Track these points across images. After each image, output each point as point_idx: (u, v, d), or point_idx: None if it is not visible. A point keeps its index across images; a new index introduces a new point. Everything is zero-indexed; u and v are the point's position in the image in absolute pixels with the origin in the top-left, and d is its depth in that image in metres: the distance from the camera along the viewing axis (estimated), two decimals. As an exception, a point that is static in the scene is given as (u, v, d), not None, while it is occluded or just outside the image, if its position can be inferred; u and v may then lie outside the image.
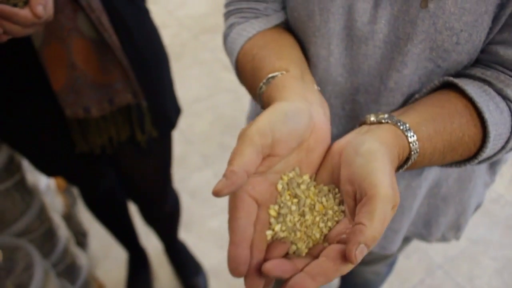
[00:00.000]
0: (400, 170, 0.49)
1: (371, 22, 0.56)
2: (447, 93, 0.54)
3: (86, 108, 0.94)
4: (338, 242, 0.39)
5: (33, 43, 0.85)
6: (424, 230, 0.84)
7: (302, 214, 0.43)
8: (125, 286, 1.69)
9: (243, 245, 0.39)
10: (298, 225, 0.42)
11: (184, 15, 3.46)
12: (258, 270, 0.38)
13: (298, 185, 0.44)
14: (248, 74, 0.60)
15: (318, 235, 0.42)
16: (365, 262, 1.13)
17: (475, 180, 0.77)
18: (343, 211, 0.43)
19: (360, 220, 0.36)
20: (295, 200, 0.43)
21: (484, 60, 0.55)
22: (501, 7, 0.50)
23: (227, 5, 0.69)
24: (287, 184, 0.44)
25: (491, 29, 0.52)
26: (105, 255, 1.85)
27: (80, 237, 1.77)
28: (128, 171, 1.21)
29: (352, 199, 0.41)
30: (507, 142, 0.53)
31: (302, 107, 0.44)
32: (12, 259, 0.96)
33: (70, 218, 1.68)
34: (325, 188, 0.44)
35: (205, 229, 1.93)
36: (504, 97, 0.53)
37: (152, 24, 1.05)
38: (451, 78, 0.53)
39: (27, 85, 0.93)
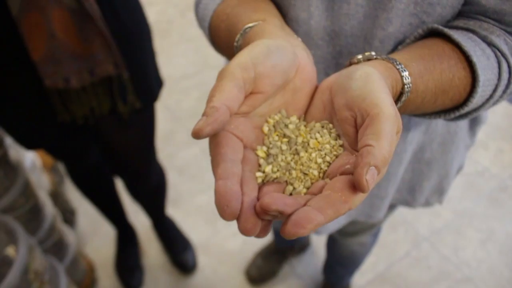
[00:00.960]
0: None
1: None
2: (432, 39, 0.52)
3: (66, 79, 0.93)
4: (342, 174, 0.35)
5: (10, 10, 0.83)
6: (409, 196, 0.85)
7: (296, 153, 0.38)
8: (114, 262, 1.70)
9: (232, 180, 0.33)
10: (292, 163, 0.38)
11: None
12: (253, 210, 0.32)
13: (286, 125, 0.40)
14: (223, 34, 0.57)
15: (316, 172, 0.37)
16: (351, 233, 1.14)
17: (457, 142, 0.77)
18: (341, 145, 0.39)
19: (366, 142, 0.32)
20: (285, 140, 0.39)
21: (466, 11, 0.54)
22: None
23: None
24: (274, 126, 0.40)
25: None
26: (94, 232, 1.86)
27: (68, 215, 1.77)
28: (111, 143, 1.20)
29: (352, 126, 0.37)
30: (495, 90, 0.52)
31: (285, 44, 0.41)
32: (-3, 235, 0.96)
33: (57, 196, 1.67)
34: (318, 125, 0.40)
35: (193, 205, 1.93)
36: (489, 44, 0.52)
37: None
38: (435, 25, 0.51)
39: (6, 54, 0.92)
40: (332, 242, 1.33)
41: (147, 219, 1.77)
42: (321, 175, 0.37)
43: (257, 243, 1.77)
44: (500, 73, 0.51)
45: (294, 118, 0.41)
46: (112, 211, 1.61)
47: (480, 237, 1.79)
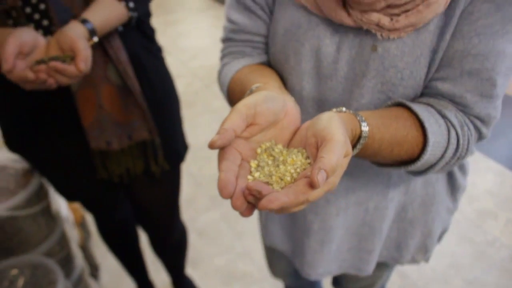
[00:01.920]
0: (355, 150, 0.60)
1: (334, 62, 0.71)
2: (396, 107, 0.67)
3: (108, 142, 1.09)
4: (305, 177, 0.48)
5: (70, 88, 1.02)
6: (396, 253, 0.95)
7: (277, 165, 0.53)
8: (133, 318, 1.77)
9: (230, 172, 0.48)
10: (274, 172, 0.52)
11: (198, 66, 3.66)
12: (242, 193, 0.47)
13: (273, 149, 0.55)
14: (237, 94, 0.74)
15: (289, 178, 0.51)
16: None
17: (437, 204, 0.88)
18: (309, 163, 0.52)
19: (320, 155, 0.46)
20: (271, 158, 0.54)
21: (427, 93, 0.69)
22: (434, 52, 0.65)
23: (222, 49, 0.86)
24: (265, 149, 0.55)
25: (430, 69, 0.67)
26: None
27: (93, 270, 1.86)
28: (141, 198, 1.34)
29: (315, 148, 0.51)
30: (445, 151, 0.65)
31: (279, 96, 0.57)
32: (38, 275, 1.07)
33: (84, 251, 1.78)
34: (295, 150, 0.55)
35: (211, 267, 2.01)
36: (443, 116, 0.66)
37: (166, 70, 1.21)
38: (400, 99, 0.67)
39: (60, 119, 1.09)
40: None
41: (167, 277, 1.85)
42: (292, 180, 0.51)
43: (271, 305, 1.83)
44: (449, 139, 0.65)
45: (280, 146, 0.56)
46: (135, 266, 1.70)
47: (492, 306, 1.81)
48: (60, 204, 1.54)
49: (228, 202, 2.33)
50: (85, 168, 1.16)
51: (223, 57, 0.85)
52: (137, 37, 1.10)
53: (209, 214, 2.28)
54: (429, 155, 0.64)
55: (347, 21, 0.67)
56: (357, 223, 0.89)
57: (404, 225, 0.90)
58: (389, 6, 0.63)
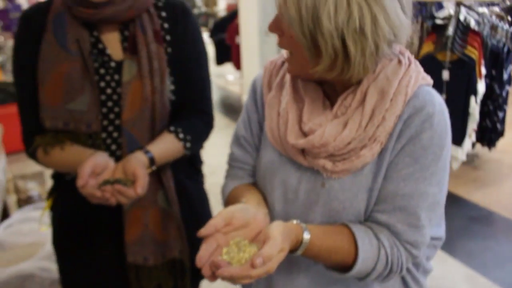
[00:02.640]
0: (298, 251, 0.80)
1: (296, 191, 0.93)
2: (340, 225, 0.87)
3: (146, 258, 1.19)
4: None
5: (122, 206, 1.14)
6: None
7: (239, 253, 0.76)
8: None
9: (206, 251, 0.73)
10: (236, 256, 0.75)
11: (213, 183, 3.06)
12: (209, 265, 0.72)
13: (240, 242, 0.78)
14: None
15: (244, 262, 0.74)
16: None
17: None
18: None
19: (263, 247, 0.71)
20: (237, 248, 0.77)
21: (370, 221, 0.88)
22: (370, 191, 0.86)
23: (226, 171, 1.10)
24: (235, 242, 0.78)
25: (369, 203, 0.86)
26: None
27: None
28: None
29: (262, 243, 0.73)
30: (375, 265, 0.83)
31: (251, 209, 0.83)
32: None
33: None
34: (254, 244, 0.78)
35: None
36: (377, 238, 0.84)
37: (206, 196, 1.37)
38: (344, 222, 0.87)
39: (105, 233, 1.20)
40: None
41: None
42: (246, 262, 0.74)
43: None
44: (379, 256, 0.83)
45: (246, 241, 0.79)
46: None
47: None
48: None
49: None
50: (118, 282, 1.23)
51: (225, 177, 1.10)
52: (185, 166, 1.26)
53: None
54: (360, 265, 0.82)
55: (304, 163, 0.90)
56: None
57: None
58: (331, 155, 0.86)
